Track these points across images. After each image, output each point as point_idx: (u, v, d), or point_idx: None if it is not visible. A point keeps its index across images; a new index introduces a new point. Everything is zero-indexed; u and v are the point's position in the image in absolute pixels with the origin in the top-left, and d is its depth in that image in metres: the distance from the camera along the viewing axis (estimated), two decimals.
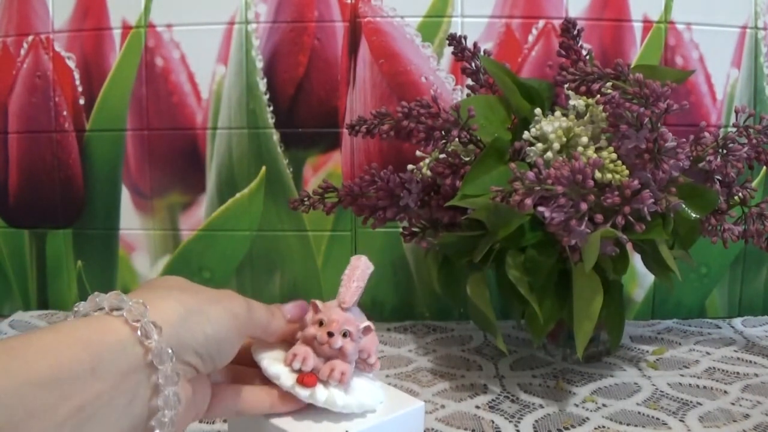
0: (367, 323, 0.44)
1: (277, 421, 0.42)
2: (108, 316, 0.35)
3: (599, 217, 0.53)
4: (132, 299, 0.36)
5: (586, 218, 0.53)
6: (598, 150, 0.58)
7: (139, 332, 0.34)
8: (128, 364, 0.34)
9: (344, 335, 0.42)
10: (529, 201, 0.51)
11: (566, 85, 0.60)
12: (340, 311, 0.44)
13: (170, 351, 0.35)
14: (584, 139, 0.59)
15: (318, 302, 0.44)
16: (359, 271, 0.45)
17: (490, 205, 0.55)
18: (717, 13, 0.81)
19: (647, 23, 0.81)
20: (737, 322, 0.82)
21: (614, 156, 0.56)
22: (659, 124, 0.56)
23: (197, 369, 0.38)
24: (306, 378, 0.42)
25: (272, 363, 0.43)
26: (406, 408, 0.44)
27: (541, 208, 0.53)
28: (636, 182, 0.54)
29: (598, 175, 0.55)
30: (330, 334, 0.42)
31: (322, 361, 0.43)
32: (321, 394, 0.42)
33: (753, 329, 0.79)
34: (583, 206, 0.53)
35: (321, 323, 0.43)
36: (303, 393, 0.42)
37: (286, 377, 0.42)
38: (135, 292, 0.38)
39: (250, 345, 0.45)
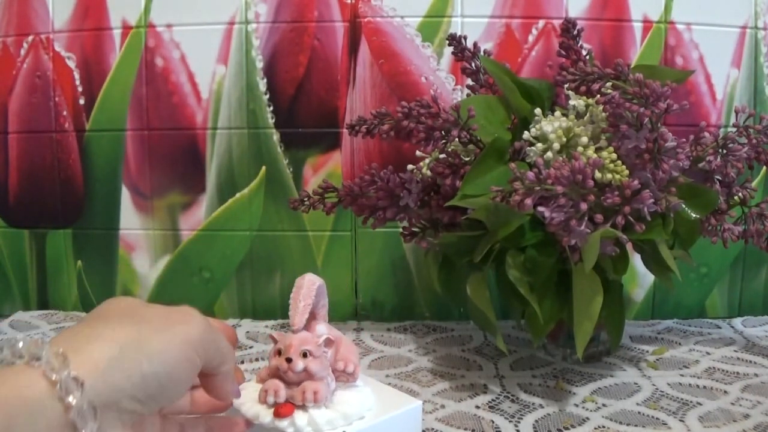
0: (326, 335, 0.44)
1: (277, 424, 0.42)
2: (27, 367, 0.31)
3: (599, 217, 0.53)
4: (53, 347, 0.32)
5: (586, 218, 0.53)
6: (598, 150, 0.58)
7: (58, 387, 0.31)
8: (48, 424, 0.31)
9: (305, 355, 0.42)
10: (529, 201, 0.51)
11: (566, 85, 0.60)
12: (294, 335, 0.44)
13: (94, 409, 0.31)
14: (584, 139, 0.59)
15: (274, 333, 0.45)
16: (304, 289, 0.45)
17: (490, 205, 0.55)
18: (717, 13, 0.81)
19: (647, 23, 0.81)
20: (737, 322, 0.82)
21: (614, 156, 0.56)
22: (659, 124, 0.56)
23: (139, 413, 0.34)
24: (281, 409, 0.42)
25: (250, 405, 0.43)
26: (403, 407, 0.45)
27: (541, 208, 0.53)
28: (636, 182, 0.54)
29: (598, 175, 0.55)
30: (289, 360, 0.42)
31: (295, 387, 0.42)
32: (301, 420, 0.42)
33: (753, 329, 0.79)
34: (583, 206, 0.52)
35: (280, 352, 0.43)
36: (282, 424, 0.41)
37: (264, 414, 0.42)
38: (68, 332, 0.35)
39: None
